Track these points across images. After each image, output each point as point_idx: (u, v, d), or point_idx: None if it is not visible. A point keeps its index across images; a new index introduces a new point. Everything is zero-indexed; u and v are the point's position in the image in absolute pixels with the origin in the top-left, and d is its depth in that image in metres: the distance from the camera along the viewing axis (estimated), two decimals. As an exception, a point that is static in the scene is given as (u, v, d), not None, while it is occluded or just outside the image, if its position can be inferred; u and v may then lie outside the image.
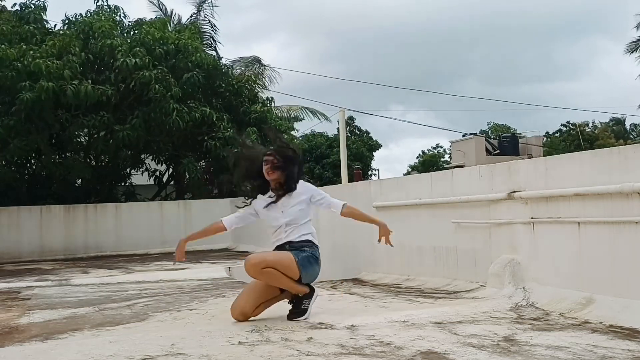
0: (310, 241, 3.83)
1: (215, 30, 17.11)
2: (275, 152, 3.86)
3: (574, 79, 77.44)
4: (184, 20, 16.95)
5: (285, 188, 3.86)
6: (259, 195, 3.95)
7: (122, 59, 11.21)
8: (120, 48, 11.38)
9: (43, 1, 12.53)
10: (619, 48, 75.94)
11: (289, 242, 3.80)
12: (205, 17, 16.85)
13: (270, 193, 3.89)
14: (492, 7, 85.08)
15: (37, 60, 10.36)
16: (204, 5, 16.81)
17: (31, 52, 10.66)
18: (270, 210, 3.87)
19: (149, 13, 17.04)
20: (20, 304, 4.91)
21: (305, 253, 3.75)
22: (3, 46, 10.49)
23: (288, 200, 3.85)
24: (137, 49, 11.47)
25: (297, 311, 3.70)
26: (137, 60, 11.21)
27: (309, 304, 3.74)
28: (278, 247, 3.85)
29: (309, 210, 3.94)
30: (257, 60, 17.88)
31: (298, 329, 3.39)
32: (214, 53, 15.43)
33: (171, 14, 16.87)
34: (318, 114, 19.92)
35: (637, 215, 3.41)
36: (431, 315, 3.67)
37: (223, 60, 15.12)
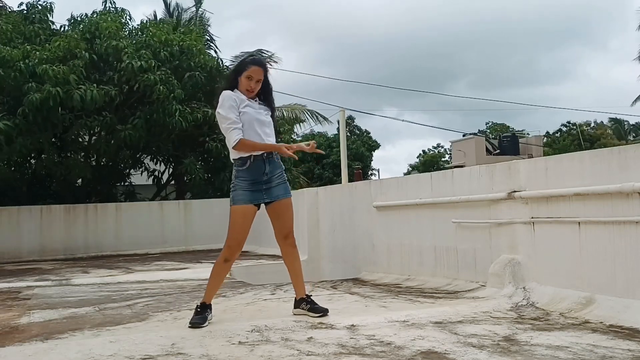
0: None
1: (210, 25, 17.13)
2: (261, 65, 3.74)
3: (560, 83, 79.92)
4: (184, 14, 16.93)
5: (263, 99, 3.78)
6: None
7: (127, 61, 11.20)
8: (126, 50, 11.37)
9: (50, 2, 12.55)
10: (602, 54, 78.38)
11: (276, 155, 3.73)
12: (204, 17, 16.84)
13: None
14: (478, 17, 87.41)
15: (44, 65, 10.34)
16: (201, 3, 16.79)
17: (37, 53, 10.65)
18: (252, 104, 3.70)
19: (150, 4, 17.10)
20: (20, 303, 4.91)
21: (286, 180, 3.81)
22: (8, 47, 10.45)
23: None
24: (143, 51, 11.45)
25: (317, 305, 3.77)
26: (142, 62, 11.21)
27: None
28: (266, 158, 3.66)
29: None
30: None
31: (298, 328, 3.39)
32: (212, 52, 15.45)
33: (169, 5, 16.85)
34: (316, 115, 19.87)
35: (637, 215, 3.41)
36: (431, 315, 3.67)
37: (225, 60, 15.17)
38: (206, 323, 3.53)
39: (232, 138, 3.58)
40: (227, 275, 6.83)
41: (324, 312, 3.69)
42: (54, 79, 10.29)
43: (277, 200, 3.71)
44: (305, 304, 3.78)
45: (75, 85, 10.55)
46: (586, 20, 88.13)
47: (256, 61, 3.78)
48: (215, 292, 3.78)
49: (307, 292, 3.85)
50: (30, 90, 10.26)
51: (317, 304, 3.76)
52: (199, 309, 3.64)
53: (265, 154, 3.66)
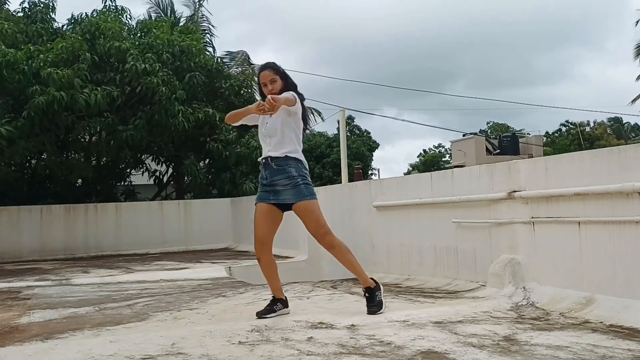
0: (292, 158, 3.70)
1: (212, 27, 17.06)
2: (266, 68, 3.82)
3: (558, 84, 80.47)
4: (180, 16, 16.86)
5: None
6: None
7: (132, 62, 11.17)
8: (131, 51, 11.34)
9: (52, 0, 12.52)
10: (599, 55, 79.10)
11: (271, 158, 3.71)
12: (203, 16, 16.78)
13: None
14: (476, 18, 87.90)
15: (49, 69, 10.32)
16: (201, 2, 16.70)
17: (41, 55, 10.62)
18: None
19: (143, 6, 16.91)
20: (20, 303, 4.91)
21: (301, 185, 3.68)
22: (12, 50, 10.42)
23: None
24: (149, 54, 11.43)
25: (374, 304, 3.74)
26: (146, 65, 11.19)
27: (380, 295, 3.79)
28: (263, 164, 3.76)
29: (293, 123, 3.76)
30: (246, 58, 17.62)
31: (298, 328, 3.39)
32: (211, 50, 15.42)
33: (166, 9, 16.77)
34: (313, 111, 19.86)
35: (637, 215, 3.41)
36: (431, 314, 3.67)
37: (217, 54, 15.18)
38: (270, 315, 3.69)
39: None
40: (228, 275, 6.88)
41: (376, 311, 3.70)
42: (58, 83, 10.27)
43: (292, 204, 3.74)
44: (366, 294, 3.78)
45: (79, 89, 10.54)
46: (583, 22, 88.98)
47: (261, 67, 3.92)
48: (275, 284, 3.84)
49: (367, 286, 3.79)
50: (35, 93, 10.24)
51: (374, 302, 3.73)
52: (270, 301, 3.82)
53: (263, 160, 3.78)
